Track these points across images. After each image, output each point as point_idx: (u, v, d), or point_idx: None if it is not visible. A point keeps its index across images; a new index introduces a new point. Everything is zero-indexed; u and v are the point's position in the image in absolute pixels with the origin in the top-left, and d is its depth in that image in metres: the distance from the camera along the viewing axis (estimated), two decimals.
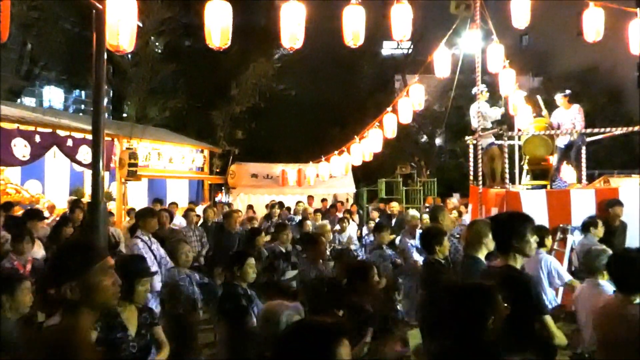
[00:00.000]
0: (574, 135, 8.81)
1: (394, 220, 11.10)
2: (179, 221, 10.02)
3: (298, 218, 11.00)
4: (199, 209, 11.17)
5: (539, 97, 9.90)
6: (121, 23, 4.92)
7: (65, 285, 1.90)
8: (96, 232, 4.80)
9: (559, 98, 9.28)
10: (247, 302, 4.06)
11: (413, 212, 8.60)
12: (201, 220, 9.65)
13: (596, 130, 9.28)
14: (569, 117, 9.02)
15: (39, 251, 5.93)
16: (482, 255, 3.90)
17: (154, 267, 5.03)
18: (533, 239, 3.26)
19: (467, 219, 9.81)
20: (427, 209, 11.44)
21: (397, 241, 7.83)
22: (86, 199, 11.67)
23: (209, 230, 8.89)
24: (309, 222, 8.61)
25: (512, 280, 3.07)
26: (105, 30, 4.80)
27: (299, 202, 12.66)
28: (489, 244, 3.83)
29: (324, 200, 14.39)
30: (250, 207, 13.72)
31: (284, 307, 2.62)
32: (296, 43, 6.04)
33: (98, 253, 2.05)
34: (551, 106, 9.87)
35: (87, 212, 5.39)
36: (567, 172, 9.27)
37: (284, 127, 23.07)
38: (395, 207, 11.76)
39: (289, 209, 12.64)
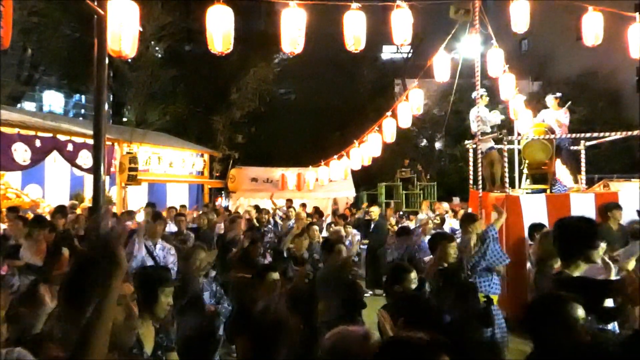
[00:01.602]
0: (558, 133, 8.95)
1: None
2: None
3: (289, 223, 10.57)
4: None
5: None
6: (123, 28, 4.94)
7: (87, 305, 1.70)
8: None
9: (550, 99, 9.46)
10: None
11: (422, 215, 8.56)
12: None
13: (595, 134, 9.32)
14: (554, 117, 9.20)
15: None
16: (555, 266, 3.69)
17: None
18: (601, 245, 3.17)
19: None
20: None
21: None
22: (86, 203, 11.72)
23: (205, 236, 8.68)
24: (315, 228, 8.09)
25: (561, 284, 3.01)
26: (106, 36, 4.82)
27: (289, 207, 12.37)
28: None
29: (303, 205, 13.76)
30: (227, 209, 13.39)
31: (353, 333, 2.43)
32: (297, 48, 6.07)
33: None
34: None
35: (87, 216, 5.34)
36: (565, 175, 9.32)
37: (283, 132, 23.11)
38: (374, 212, 11.56)
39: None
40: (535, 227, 6.09)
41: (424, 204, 14.97)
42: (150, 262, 5.24)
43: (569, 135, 9.12)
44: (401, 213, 12.44)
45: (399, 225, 11.05)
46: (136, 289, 2.42)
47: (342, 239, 7.14)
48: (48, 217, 9.93)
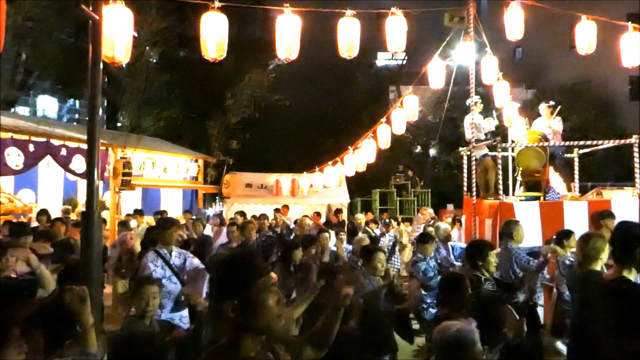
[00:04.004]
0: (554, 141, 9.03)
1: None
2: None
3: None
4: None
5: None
6: (117, 34, 4.94)
7: (226, 303, 1.73)
8: (90, 243, 4.69)
9: (543, 108, 9.59)
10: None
11: (444, 225, 8.38)
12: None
13: (589, 142, 9.38)
14: (547, 124, 9.32)
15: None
16: (599, 268, 3.81)
17: (168, 283, 4.72)
18: None
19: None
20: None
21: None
22: (80, 208, 11.66)
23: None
24: (326, 235, 7.53)
25: (629, 294, 3.06)
26: (101, 41, 4.80)
27: (276, 210, 12.17)
28: (605, 258, 3.78)
29: (277, 210, 13.12)
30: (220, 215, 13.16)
31: (469, 326, 2.50)
32: (291, 54, 6.08)
33: (260, 268, 1.85)
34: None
35: (81, 221, 5.26)
36: (559, 183, 9.35)
37: (278, 138, 23.10)
38: (360, 219, 11.41)
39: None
40: (564, 234, 6.05)
41: (421, 210, 15.02)
42: (168, 272, 4.85)
43: (562, 143, 9.19)
44: (387, 221, 12.20)
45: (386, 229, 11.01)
46: None
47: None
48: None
